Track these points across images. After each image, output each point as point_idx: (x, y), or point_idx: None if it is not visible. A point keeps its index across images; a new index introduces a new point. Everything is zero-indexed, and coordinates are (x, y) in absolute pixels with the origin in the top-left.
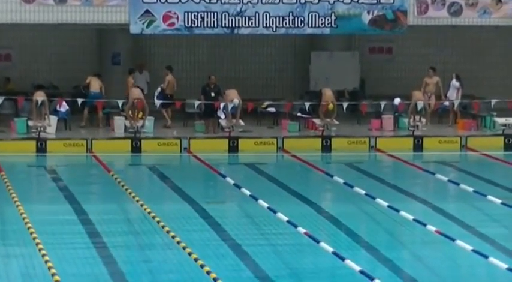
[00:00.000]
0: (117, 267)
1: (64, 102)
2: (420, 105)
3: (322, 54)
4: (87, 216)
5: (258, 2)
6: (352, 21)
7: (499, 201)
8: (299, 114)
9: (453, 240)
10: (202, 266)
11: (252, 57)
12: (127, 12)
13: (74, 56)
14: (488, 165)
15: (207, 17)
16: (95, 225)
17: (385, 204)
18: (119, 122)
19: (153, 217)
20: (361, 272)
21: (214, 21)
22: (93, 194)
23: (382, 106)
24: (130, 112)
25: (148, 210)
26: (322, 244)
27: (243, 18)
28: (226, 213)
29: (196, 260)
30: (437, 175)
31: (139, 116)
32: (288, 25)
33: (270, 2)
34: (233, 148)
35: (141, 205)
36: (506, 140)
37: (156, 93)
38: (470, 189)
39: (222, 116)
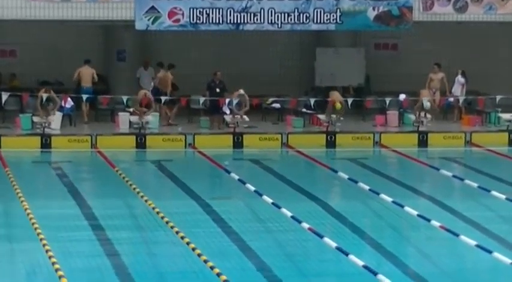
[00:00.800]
0: (121, 262)
1: (69, 99)
2: (427, 104)
3: (327, 51)
4: (91, 211)
5: None
6: (358, 17)
7: (503, 196)
8: (304, 110)
9: (457, 235)
10: (206, 261)
11: (257, 53)
12: (132, 8)
13: (79, 52)
14: (493, 160)
15: (212, 13)
16: (99, 220)
17: (389, 199)
18: (124, 118)
19: (157, 212)
20: (365, 267)
21: (219, 18)
22: (98, 189)
23: (387, 102)
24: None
25: (153, 205)
26: (326, 239)
27: (248, 15)
28: (230, 209)
29: (200, 255)
30: (442, 171)
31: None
32: (293, 21)
33: None
34: (238, 144)
35: (146, 201)
36: (510, 135)
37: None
38: (475, 184)
39: (227, 112)
